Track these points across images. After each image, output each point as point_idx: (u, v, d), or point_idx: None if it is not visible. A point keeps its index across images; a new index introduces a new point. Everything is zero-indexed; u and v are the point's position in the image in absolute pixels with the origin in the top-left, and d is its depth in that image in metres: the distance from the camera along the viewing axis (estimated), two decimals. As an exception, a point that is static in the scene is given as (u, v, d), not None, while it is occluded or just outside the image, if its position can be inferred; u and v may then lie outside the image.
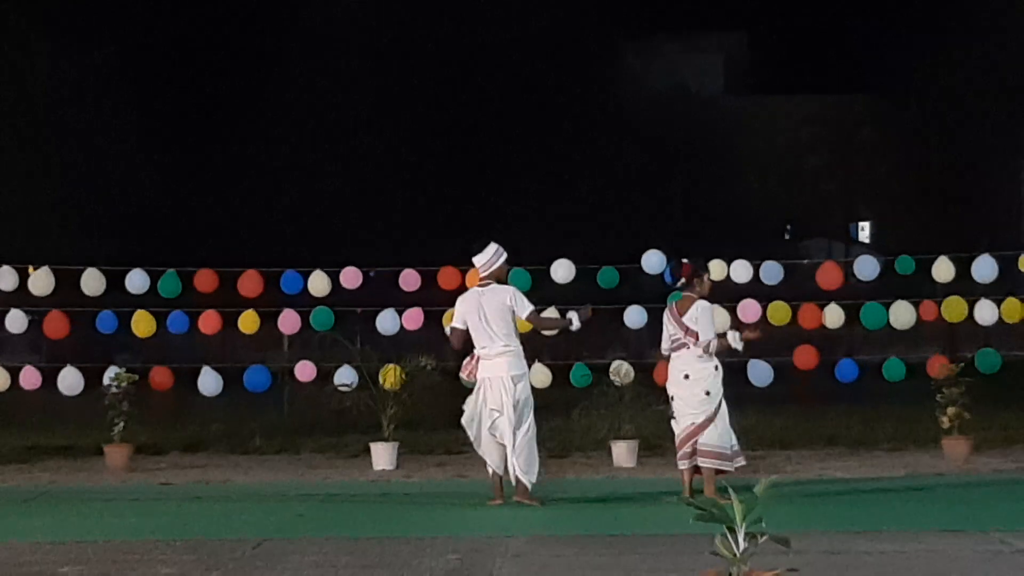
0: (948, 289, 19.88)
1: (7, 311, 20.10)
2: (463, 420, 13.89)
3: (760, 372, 19.43)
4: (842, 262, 21.10)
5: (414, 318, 19.78)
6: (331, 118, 47.57)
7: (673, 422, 14.00)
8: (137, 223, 45.15)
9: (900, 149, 57.08)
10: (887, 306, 19.47)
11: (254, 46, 48.59)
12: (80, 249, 31.80)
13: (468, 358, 13.95)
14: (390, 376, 17.85)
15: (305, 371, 20.01)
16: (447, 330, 14.60)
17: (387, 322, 19.85)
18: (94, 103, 46.55)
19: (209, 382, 20.00)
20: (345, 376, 18.73)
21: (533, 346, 22.17)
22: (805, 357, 19.66)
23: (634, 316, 19.86)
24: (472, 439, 13.94)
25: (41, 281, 19.82)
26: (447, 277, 19.46)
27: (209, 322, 20.12)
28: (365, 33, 48.65)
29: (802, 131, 59.86)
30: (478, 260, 13.97)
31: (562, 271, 19.83)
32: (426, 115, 48.29)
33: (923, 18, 49.82)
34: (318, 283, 20.05)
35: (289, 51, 47.71)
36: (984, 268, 19.29)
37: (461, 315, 13.92)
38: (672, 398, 13.97)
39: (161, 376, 19.97)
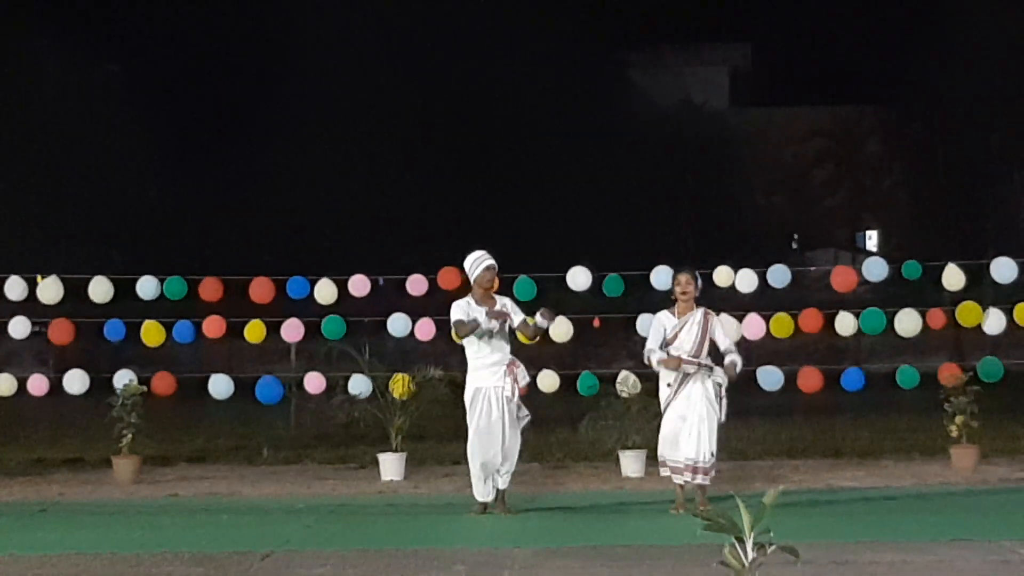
0: (957, 298, 19.87)
1: (13, 319, 20.12)
2: None
3: (769, 377, 19.41)
4: (854, 267, 21.08)
5: (425, 329, 19.79)
6: (339, 126, 47.60)
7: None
8: (144, 232, 45.22)
9: (906, 159, 57.06)
10: (891, 314, 19.44)
11: (262, 57, 48.69)
12: (87, 259, 31.87)
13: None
14: (399, 386, 17.85)
15: (314, 383, 20.01)
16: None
17: (398, 326, 19.85)
18: (102, 114, 46.66)
19: (220, 386, 20.01)
20: (357, 386, 18.73)
21: (541, 355, 22.23)
22: (810, 380, 19.61)
23: (645, 325, 19.82)
24: None
25: (50, 290, 19.85)
26: (447, 277, 19.45)
27: (213, 327, 20.11)
28: (374, 44, 48.70)
29: (808, 142, 59.83)
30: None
31: (581, 278, 19.82)
32: (435, 127, 48.32)
33: (928, 28, 49.84)
34: (325, 291, 20.06)
35: (298, 61, 47.76)
36: (1004, 269, 19.17)
37: None
38: None
39: (164, 382, 19.97)
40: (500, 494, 14.03)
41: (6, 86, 44.76)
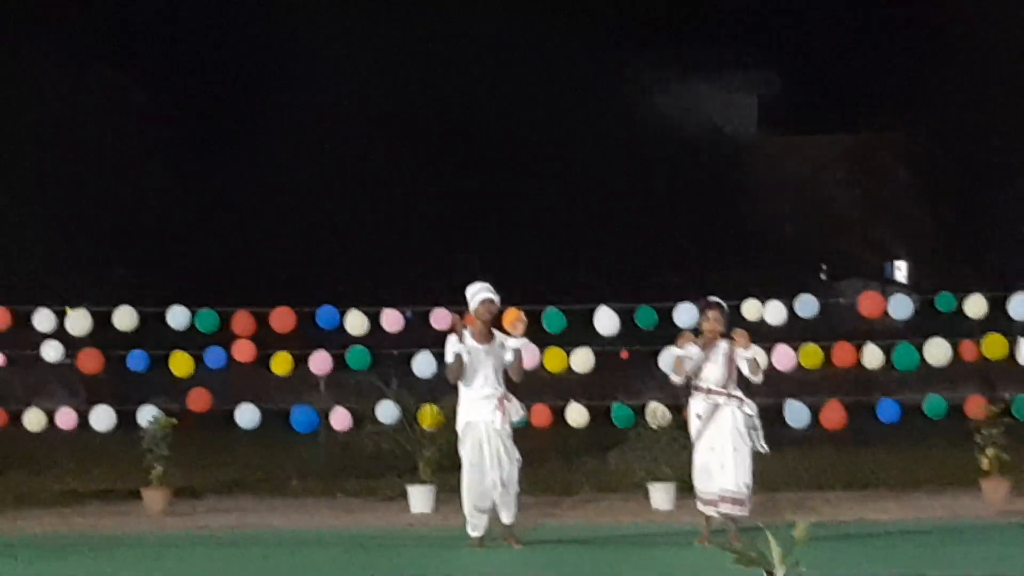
0: (985, 327, 19.79)
1: (42, 351, 20.22)
2: None
3: (797, 413, 19.35)
4: (881, 293, 21.08)
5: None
6: (363, 157, 47.68)
7: None
8: (173, 262, 45.32)
9: (934, 187, 56.94)
10: (920, 346, 19.39)
11: (282, 81, 48.75)
12: (114, 290, 31.92)
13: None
14: (428, 416, 17.84)
15: (342, 419, 20.03)
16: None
17: (423, 365, 19.86)
18: (124, 143, 46.81)
19: (248, 416, 20.08)
20: (385, 413, 18.73)
21: (569, 386, 22.18)
22: (834, 414, 19.54)
23: (667, 356, 19.80)
24: None
25: (78, 321, 19.97)
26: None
27: (244, 351, 20.17)
28: (393, 67, 48.77)
29: (836, 170, 59.70)
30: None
31: (606, 320, 19.79)
32: (460, 156, 48.37)
33: (957, 56, 49.76)
34: (355, 322, 20.11)
35: (318, 86, 47.88)
36: (1021, 306, 19.13)
37: None
38: None
39: (200, 398, 20.04)
40: (508, 528, 13.96)
41: (32, 116, 44.95)
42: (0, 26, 43.57)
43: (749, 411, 13.90)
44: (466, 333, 13.81)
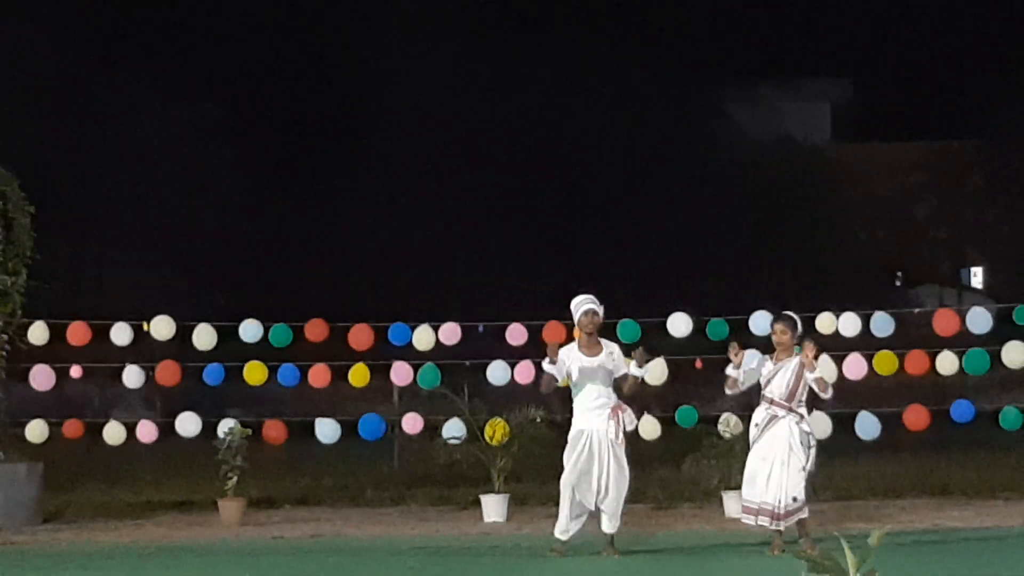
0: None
1: (123, 367, 20.47)
2: None
3: (867, 425, 19.26)
4: (956, 309, 20.89)
5: (525, 372, 19.86)
6: (437, 173, 47.85)
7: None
8: (248, 277, 45.67)
9: (1010, 194, 56.49)
10: (995, 352, 19.24)
11: (360, 101, 49.03)
12: (192, 304, 32.25)
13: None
14: (497, 432, 17.91)
15: (413, 423, 20.17)
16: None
17: (497, 374, 19.94)
18: (202, 160, 47.30)
19: (327, 430, 20.28)
20: (453, 430, 18.83)
21: (642, 397, 22.18)
22: (916, 416, 19.42)
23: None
24: None
25: (162, 327, 20.25)
26: (552, 332, 19.49)
27: (319, 376, 20.38)
28: (469, 86, 48.93)
29: (911, 177, 59.34)
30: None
31: (681, 325, 19.84)
32: (531, 169, 48.43)
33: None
34: (424, 337, 20.25)
35: (395, 105, 48.09)
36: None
37: None
38: None
39: (275, 430, 20.25)
40: (609, 538, 13.97)
41: (110, 132, 45.49)
42: (99, 60, 44.31)
43: (807, 428, 13.79)
44: (573, 345, 14.01)
